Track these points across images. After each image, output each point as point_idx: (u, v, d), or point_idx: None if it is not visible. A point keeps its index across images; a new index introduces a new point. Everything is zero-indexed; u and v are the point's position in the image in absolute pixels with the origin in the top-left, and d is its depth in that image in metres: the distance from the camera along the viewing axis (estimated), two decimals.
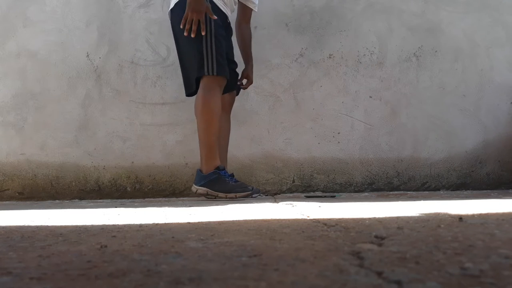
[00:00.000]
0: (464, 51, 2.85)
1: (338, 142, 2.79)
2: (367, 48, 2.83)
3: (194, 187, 2.27)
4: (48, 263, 0.66)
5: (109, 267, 0.62)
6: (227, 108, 2.51)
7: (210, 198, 2.23)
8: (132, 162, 2.75)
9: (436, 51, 2.84)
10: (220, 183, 2.20)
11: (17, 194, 2.74)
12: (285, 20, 2.84)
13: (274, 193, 2.73)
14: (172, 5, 2.35)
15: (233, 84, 2.50)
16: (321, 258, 0.64)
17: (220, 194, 2.20)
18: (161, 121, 2.78)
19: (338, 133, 2.79)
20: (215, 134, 2.25)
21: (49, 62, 2.81)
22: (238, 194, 2.19)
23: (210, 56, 2.23)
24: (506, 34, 2.86)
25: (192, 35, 2.20)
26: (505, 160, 2.80)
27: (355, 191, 2.75)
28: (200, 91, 2.27)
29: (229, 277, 0.55)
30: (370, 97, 2.81)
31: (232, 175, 2.34)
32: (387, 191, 2.74)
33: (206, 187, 2.22)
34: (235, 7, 2.55)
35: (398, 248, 0.71)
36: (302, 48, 2.82)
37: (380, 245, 0.74)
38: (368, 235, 0.84)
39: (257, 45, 2.82)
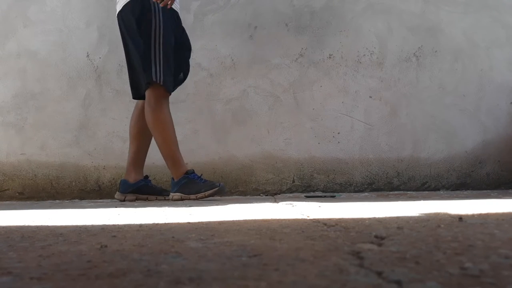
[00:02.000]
0: (464, 51, 2.85)
1: (338, 142, 2.79)
2: (367, 48, 2.83)
3: (170, 195, 2.30)
4: (48, 263, 0.66)
5: (109, 267, 0.62)
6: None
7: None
8: None
9: (436, 51, 2.84)
10: (190, 186, 2.23)
11: (17, 194, 2.74)
12: (285, 20, 2.84)
13: (274, 193, 2.73)
14: (120, 8, 2.30)
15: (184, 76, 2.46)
16: (321, 258, 0.65)
17: (191, 196, 2.22)
18: None
19: (338, 133, 2.79)
20: (173, 143, 2.29)
21: (49, 62, 2.81)
22: (206, 193, 2.21)
23: (159, 63, 2.21)
24: (506, 34, 2.86)
25: (168, 7, 2.22)
26: (505, 160, 2.80)
27: (355, 191, 2.75)
28: (147, 106, 2.26)
29: (229, 277, 0.55)
30: (370, 97, 2.81)
31: (146, 176, 2.42)
32: (387, 191, 2.74)
33: (180, 192, 2.25)
34: None
35: (398, 248, 0.71)
36: (302, 48, 2.82)
37: (380, 245, 0.74)
38: (368, 235, 0.84)
39: (257, 45, 2.82)
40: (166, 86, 2.24)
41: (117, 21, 2.34)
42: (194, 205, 1.88)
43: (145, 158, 2.46)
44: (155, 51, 2.21)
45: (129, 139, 2.45)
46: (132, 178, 2.36)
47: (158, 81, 2.20)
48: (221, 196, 2.33)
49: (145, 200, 2.34)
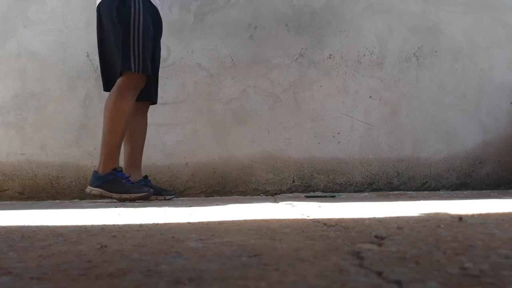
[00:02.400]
0: (464, 51, 2.85)
1: (338, 142, 2.79)
2: (367, 48, 2.83)
3: (89, 188, 2.23)
4: (48, 263, 0.66)
5: (109, 267, 0.62)
6: (143, 110, 2.46)
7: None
8: None
9: (436, 51, 2.84)
10: (117, 184, 2.17)
11: (17, 194, 2.74)
12: (285, 20, 2.84)
13: (274, 193, 2.74)
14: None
15: (153, 93, 2.44)
16: (321, 258, 0.64)
17: (115, 195, 2.17)
18: (161, 121, 2.78)
19: (338, 133, 2.79)
20: (121, 136, 2.22)
21: (49, 62, 2.81)
22: (133, 195, 2.17)
23: (137, 53, 2.20)
24: (506, 34, 2.86)
25: None
26: (505, 160, 2.80)
27: (355, 191, 2.75)
28: (114, 89, 2.22)
29: (229, 277, 0.55)
30: (370, 97, 2.81)
31: (145, 176, 2.39)
32: (387, 191, 2.74)
33: (102, 188, 2.18)
34: None
35: (398, 248, 0.71)
36: (302, 48, 2.82)
37: (380, 245, 0.74)
38: (368, 235, 0.84)
39: (257, 45, 2.82)
40: (147, 71, 2.23)
41: (96, 13, 2.33)
42: (194, 205, 1.88)
43: (141, 158, 2.44)
44: (133, 40, 2.20)
45: (123, 141, 2.43)
46: (132, 179, 2.36)
47: (136, 71, 2.19)
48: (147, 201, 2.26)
49: (145, 200, 2.33)
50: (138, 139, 2.42)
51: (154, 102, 2.50)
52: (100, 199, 2.20)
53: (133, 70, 2.19)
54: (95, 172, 2.23)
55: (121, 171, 2.23)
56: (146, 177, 2.42)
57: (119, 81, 2.23)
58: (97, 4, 2.32)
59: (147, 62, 2.23)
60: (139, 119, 2.43)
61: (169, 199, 2.35)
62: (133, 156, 2.40)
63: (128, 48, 2.19)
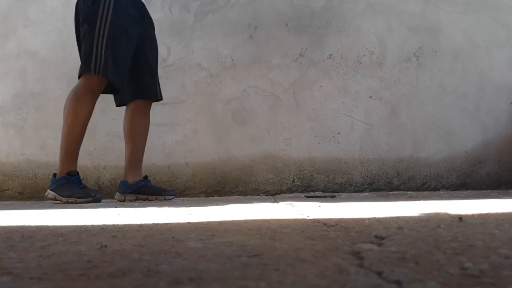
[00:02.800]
0: (464, 51, 2.85)
1: (338, 142, 2.79)
2: (367, 48, 2.83)
3: (47, 191, 2.22)
4: (48, 263, 0.66)
5: (109, 267, 0.62)
6: (144, 109, 2.43)
7: (58, 202, 2.17)
8: None
9: (436, 51, 2.84)
10: (66, 188, 2.15)
11: (17, 194, 2.74)
12: (285, 20, 2.84)
13: (274, 193, 2.74)
14: None
15: (151, 91, 2.42)
16: (321, 258, 0.64)
17: (63, 199, 2.14)
18: (161, 121, 2.78)
19: (338, 133, 2.79)
20: (76, 140, 2.20)
21: (49, 62, 2.81)
22: (78, 200, 2.13)
23: (100, 55, 2.14)
24: (506, 34, 2.86)
25: None
26: (505, 160, 2.80)
27: (355, 191, 2.75)
28: (71, 93, 2.20)
29: (229, 277, 0.55)
30: (370, 97, 2.81)
31: (146, 177, 2.38)
32: (387, 191, 2.74)
33: (55, 192, 2.17)
34: None
35: (398, 248, 0.71)
36: (302, 48, 2.82)
37: (380, 245, 0.74)
38: (368, 235, 0.84)
39: (257, 45, 2.82)
40: (110, 80, 2.17)
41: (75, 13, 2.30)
42: (194, 205, 1.88)
43: (142, 158, 2.44)
44: (98, 40, 2.15)
45: (124, 141, 2.43)
46: (131, 179, 2.36)
47: (97, 74, 2.14)
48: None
49: (145, 200, 2.33)
50: (139, 139, 2.41)
51: (157, 99, 2.47)
52: (54, 202, 2.20)
53: (93, 72, 2.14)
54: (54, 175, 2.23)
55: (75, 174, 2.19)
56: (146, 177, 2.42)
57: (77, 83, 2.21)
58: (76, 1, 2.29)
59: (109, 65, 2.15)
60: (140, 119, 2.41)
61: (169, 199, 2.35)
62: (133, 157, 2.39)
63: (91, 49, 2.15)
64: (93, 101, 2.22)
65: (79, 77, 2.22)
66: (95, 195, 2.17)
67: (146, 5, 2.88)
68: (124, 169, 2.40)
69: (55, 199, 2.17)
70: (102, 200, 2.58)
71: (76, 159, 2.23)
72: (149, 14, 2.42)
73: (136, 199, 2.33)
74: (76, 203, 2.13)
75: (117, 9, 2.19)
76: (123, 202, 2.25)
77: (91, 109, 2.22)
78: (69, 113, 2.18)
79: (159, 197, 2.36)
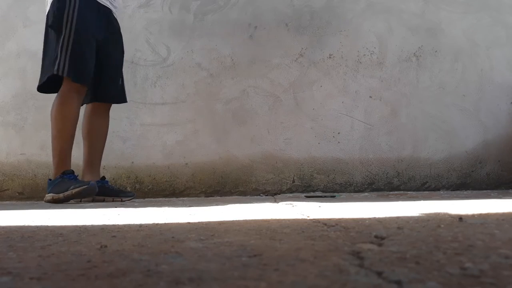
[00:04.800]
0: (464, 51, 2.85)
1: (338, 142, 2.79)
2: (367, 48, 2.83)
3: (46, 196, 2.22)
4: (48, 263, 0.66)
5: (109, 267, 0.61)
6: (101, 111, 2.43)
7: (58, 202, 2.16)
8: (132, 162, 2.75)
9: (436, 51, 2.84)
10: (61, 185, 2.16)
11: (17, 194, 2.74)
12: (285, 20, 2.84)
13: (274, 193, 2.73)
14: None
15: (112, 95, 2.42)
16: (321, 258, 0.64)
17: (60, 195, 2.14)
18: (161, 121, 2.78)
19: (338, 133, 2.79)
20: (67, 142, 2.22)
21: None
22: (74, 191, 2.12)
23: (64, 55, 2.17)
24: (506, 34, 2.86)
25: None
26: (505, 160, 2.80)
27: (355, 191, 2.75)
28: (57, 96, 2.24)
29: (229, 277, 0.54)
30: (370, 97, 2.81)
31: (103, 177, 2.38)
32: (387, 191, 2.74)
33: (52, 193, 2.17)
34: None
35: (398, 248, 0.71)
36: (302, 48, 2.82)
37: (380, 245, 0.74)
38: (368, 235, 0.84)
39: (257, 45, 2.82)
40: (75, 77, 2.19)
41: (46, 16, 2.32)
42: (194, 205, 1.88)
43: (100, 158, 2.43)
44: (62, 42, 2.18)
45: (82, 142, 2.42)
46: (88, 180, 2.33)
47: (61, 74, 2.17)
48: (90, 197, 2.23)
49: (102, 201, 2.29)
50: (95, 140, 2.40)
51: (116, 102, 2.47)
52: (53, 203, 2.19)
53: (56, 73, 2.17)
54: (49, 180, 2.25)
55: (70, 173, 2.20)
56: (103, 178, 2.39)
57: (61, 87, 2.24)
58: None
59: (76, 67, 2.18)
60: (98, 120, 2.41)
61: (126, 201, 2.32)
62: (91, 157, 2.38)
63: (56, 51, 2.18)
64: (78, 102, 2.25)
65: (39, 86, 2.29)
66: (89, 182, 2.17)
67: (145, 5, 2.88)
68: (82, 170, 2.39)
69: (52, 199, 2.16)
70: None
71: (70, 160, 2.24)
72: (116, 20, 2.43)
73: (93, 200, 2.29)
74: (73, 194, 2.12)
75: (84, 11, 2.23)
76: (122, 203, 2.25)
77: (78, 109, 2.25)
78: (57, 117, 2.21)
79: (115, 199, 2.33)
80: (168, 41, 2.82)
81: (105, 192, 2.33)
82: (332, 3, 2.85)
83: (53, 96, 2.78)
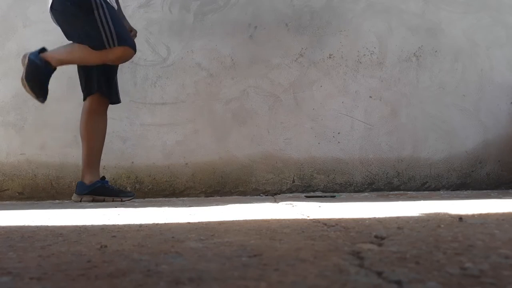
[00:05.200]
0: (464, 51, 2.85)
1: (338, 142, 2.79)
2: (367, 48, 2.83)
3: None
4: (48, 263, 0.66)
5: (109, 267, 0.61)
6: (101, 108, 2.45)
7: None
8: (132, 162, 2.75)
9: (436, 51, 2.84)
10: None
11: (17, 194, 2.74)
12: (285, 20, 2.84)
13: (274, 193, 2.73)
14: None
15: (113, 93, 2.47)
16: (321, 258, 0.64)
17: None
18: (161, 121, 2.78)
19: (338, 133, 2.79)
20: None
21: None
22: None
23: (108, 28, 2.21)
24: (506, 34, 2.86)
25: None
26: (505, 160, 2.80)
27: (355, 191, 2.75)
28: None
29: (229, 277, 0.54)
30: (370, 97, 2.81)
31: (103, 177, 2.42)
32: (387, 191, 2.74)
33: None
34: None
35: (398, 248, 0.71)
36: (302, 48, 2.82)
37: (380, 245, 0.74)
38: (368, 235, 0.84)
39: (257, 45, 2.82)
40: (127, 44, 2.24)
41: (52, 15, 2.34)
42: (194, 205, 1.88)
43: (99, 158, 2.44)
44: (100, 18, 2.21)
45: (80, 140, 2.43)
46: (88, 180, 2.34)
47: (113, 45, 2.21)
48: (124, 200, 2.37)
49: (102, 201, 2.31)
50: (95, 140, 2.40)
51: (115, 102, 2.49)
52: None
53: (107, 46, 2.21)
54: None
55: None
56: (103, 178, 2.39)
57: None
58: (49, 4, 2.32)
59: (123, 32, 2.26)
60: (96, 119, 2.41)
61: (126, 201, 2.33)
62: (90, 157, 2.38)
63: (98, 29, 2.20)
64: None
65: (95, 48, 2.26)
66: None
67: (145, 5, 2.88)
68: (82, 170, 2.40)
69: (93, 200, 2.29)
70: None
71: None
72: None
73: (93, 200, 2.32)
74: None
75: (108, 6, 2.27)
76: (122, 203, 2.25)
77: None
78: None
79: (115, 199, 2.34)
80: (168, 41, 2.82)
81: (105, 192, 2.34)
82: (332, 3, 2.85)
83: (52, 96, 2.78)
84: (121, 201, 2.31)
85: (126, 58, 2.31)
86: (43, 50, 2.30)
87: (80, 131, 2.41)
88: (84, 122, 2.39)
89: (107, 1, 2.26)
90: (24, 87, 2.23)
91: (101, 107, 2.42)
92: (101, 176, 2.41)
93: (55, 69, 2.29)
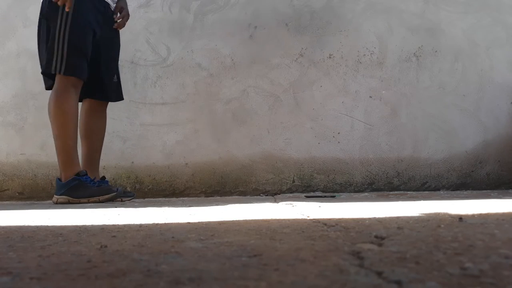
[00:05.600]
0: (464, 51, 2.85)
1: (338, 142, 2.79)
2: (367, 48, 2.83)
3: (55, 197, 2.16)
4: (48, 263, 0.66)
5: (109, 267, 0.61)
6: (99, 107, 2.40)
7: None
8: (132, 162, 2.75)
9: (436, 51, 2.84)
10: (81, 189, 2.11)
11: (17, 194, 2.74)
12: (285, 20, 2.84)
13: (274, 193, 2.73)
14: None
15: (109, 92, 2.39)
16: (321, 258, 0.64)
17: (82, 200, 2.10)
18: (161, 121, 2.78)
19: (338, 133, 2.79)
20: (71, 138, 2.14)
21: None
22: (101, 198, 2.11)
23: (61, 52, 2.10)
24: (506, 34, 2.86)
25: (66, 10, 2.10)
26: (505, 160, 2.80)
27: (355, 191, 2.75)
28: (52, 92, 2.15)
29: (229, 277, 0.54)
30: (370, 97, 2.81)
31: (103, 178, 2.32)
32: (387, 191, 2.74)
33: (67, 195, 2.11)
34: None
35: (398, 248, 0.71)
36: (302, 48, 2.82)
37: (380, 245, 0.74)
38: (368, 235, 0.84)
39: (257, 45, 2.82)
40: (74, 74, 2.13)
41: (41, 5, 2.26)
42: (194, 205, 1.88)
43: (99, 158, 2.40)
44: (58, 38, 2.11)
45: (81, 141, 2.37)
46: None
47: (58, 72, 2.11)
48: (118, 200, 2.21)
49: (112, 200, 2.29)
50: (94, 139, 2.37)
51: (112, 100, 2.44)
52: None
53: (54, 72, 2.11)
54: (58, 180, 2.17)
55: (85, 174, 2.16)
56: (103, 178, 2.36)
57: (55, 82, 2.16)
58: None
59: (74, 63, 2.12)
60: (95, 118, 2.39)
61: (126, 201, 2.30)
62: (89, 157, 2.35)
63: (52, 48, 2.11)
64: (76, 96, 2.18)
65: (42, 73, 2.20)
66: (116, 189, 2.15)
67: (145, 5, 2.88)
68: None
69: (69, 202, 2.11)
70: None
71: (77, 158, 2.20)
72: (112, 15, 2.38)
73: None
74: (100, 201, 2.10)
75: (79, 7, 2.17)
76: (122, 203, 2.25)
77: (77, 104, 2.18)
78: (56, 113, 2.12)
79: (123, 199, 2.31)
80: (168, 41, 2.82)
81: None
82: (332, 3, 2.85)
83: None
84: (121, 201, 2.31)
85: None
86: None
87: (79, 131, 2.38)
88: (83, 122, 2.37)
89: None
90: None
91: (98, 107, 2.40)
92: (101, 176, 2.40)
93: (85, 173, 2.17)
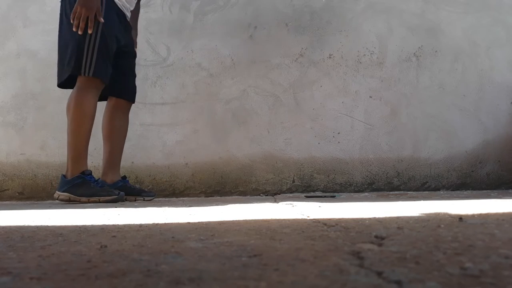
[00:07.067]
0: (464, 51, 2.85)
1: (338, 142, 2.79)
2: (367, 48, 2.83)
3: (57, 193, 2.16)
4: (48, 263, 0.66)
5: (109, 267, 0.61)
6: (123, 107, 2.42)
7: (74, 203, 2.12)
8: (132, 162, 2.75)
9: (436, 51, 2.84)
10: (84, 188, 2.11)
11: (17, 194, 2.74)
12: (285, 20, 2.84)
13: (274, 193, 2.74)
14: None
15: (126, 92, 2.42)
16: (321, 258, 0.64)
17: (83, 199, 2.10)
18: (161, 121, 2.78)
19: (338, 133, 2.79)
20: (85, 137, 2.16)
21: (49, 62, 2.81)
22: (101, 198, 2.11)
23: (91, 56, 2.14)
24: (506, 34, 2.86)
25: (79, 32, 2.11)
26: (505, 160, 2.80)
27: (355, 191, 2.75)
28: (74, 89, 2.18)
29: (229, 277, 0.54)
30: (370, 97, 2.81)
31: (124, 177, 2.36)
32: (387, 191, 2.74)
33: (69, 193, 2.12)
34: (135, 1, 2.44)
35: (398, 248, 0.71)
36: (302, 48, 2.82)
37: (380, 245, 0.74)
38: (368, 235, 0.84)
39: (257, 45, 2.82)
40: (101, 77, 2.17)
41: (61, 4, 2.26)
42: (194, 205, 1.88)
43: (120, 158, 2.41)
44: (89, 42, 2.14)
45: (102, 140, 2.40)
46: (110, 179, 2.33)
47: (87, 75, 2.13)
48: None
49: (123, 201, 2.30)
50: (117, 139, 2.38)
51: (133, 101, 2.47)
52: (68, 203, 2.17)
53: (83, 74, 2.14)
54: (63, 176, 2.18)
55: (90, 174, 2.17)
56: (124, 177, 2.39)
57: (78, 81, 2.18)
58: None
59: (102, 66, 2.16)
60: (119, 118, 2.40)
61: (149, 200, 2.34)
62: (111, 155, 2.37)
63: (82, 51, 2.13)
64: (96, 97, 2.21)
65: (68, 76, 2.19)
66: (118, 193, 2.16)
67: (145, 5, 2.88)
68: (102, 169, 2.38)
69: (69, 200, 2.11)
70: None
71: (86, 158, 2.20)
72: (130, 28, 2.43)
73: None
74: (99, 202, 2.11)
75: (111, 11, 2.21)
76: (122, 202, 2.25)
77: (96, 105, 2.21)
78: (75, 110, 2.14)
79: (138, 198, 2.34)
80: (168, 41, 2.82)
81: (126, 192, 2.32)
82: (332, 3, 2.85)
83: (52, 96, 2.79)
84: (143, 200, 2.33)
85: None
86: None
87: (102, 132, 2.39)
88: (107, 122, 2.38)
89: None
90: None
91: (123, 107, 2.41)
92: (121, 176, 2.41)
93: (90, 172, 2.18)
